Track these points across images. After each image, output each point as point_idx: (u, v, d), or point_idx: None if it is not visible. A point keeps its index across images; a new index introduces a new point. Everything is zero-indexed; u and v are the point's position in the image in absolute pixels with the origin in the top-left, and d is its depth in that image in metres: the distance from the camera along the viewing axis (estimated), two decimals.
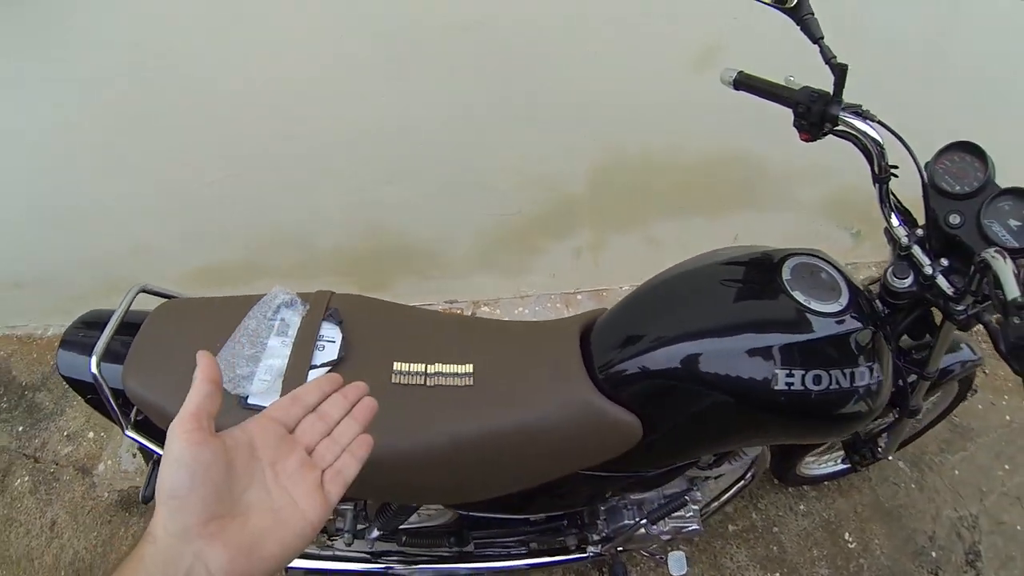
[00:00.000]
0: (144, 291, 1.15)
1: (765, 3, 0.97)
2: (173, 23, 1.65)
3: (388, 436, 0.91)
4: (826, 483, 1.93)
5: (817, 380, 0.89)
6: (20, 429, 2.62)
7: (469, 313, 2.27)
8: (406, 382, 0.97)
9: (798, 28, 0.93)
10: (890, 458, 1.55)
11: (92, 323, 1.14)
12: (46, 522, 2.25)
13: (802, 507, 1.90)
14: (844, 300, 0.94)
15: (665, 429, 0.99)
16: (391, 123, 1.86)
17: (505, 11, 1.64)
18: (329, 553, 1.43)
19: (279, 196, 2.06)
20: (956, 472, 1.96)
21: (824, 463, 1.85)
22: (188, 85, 1.77)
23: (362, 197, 2.06)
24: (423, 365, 0.99)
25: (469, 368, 0.99)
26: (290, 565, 1.40)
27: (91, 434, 2.43)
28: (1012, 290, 0.69)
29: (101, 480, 2.26)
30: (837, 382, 0.89)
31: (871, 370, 0.92)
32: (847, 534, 1.86)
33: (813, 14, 0.92)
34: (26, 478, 2.44)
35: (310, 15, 1.64)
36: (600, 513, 1.31)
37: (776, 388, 0.89)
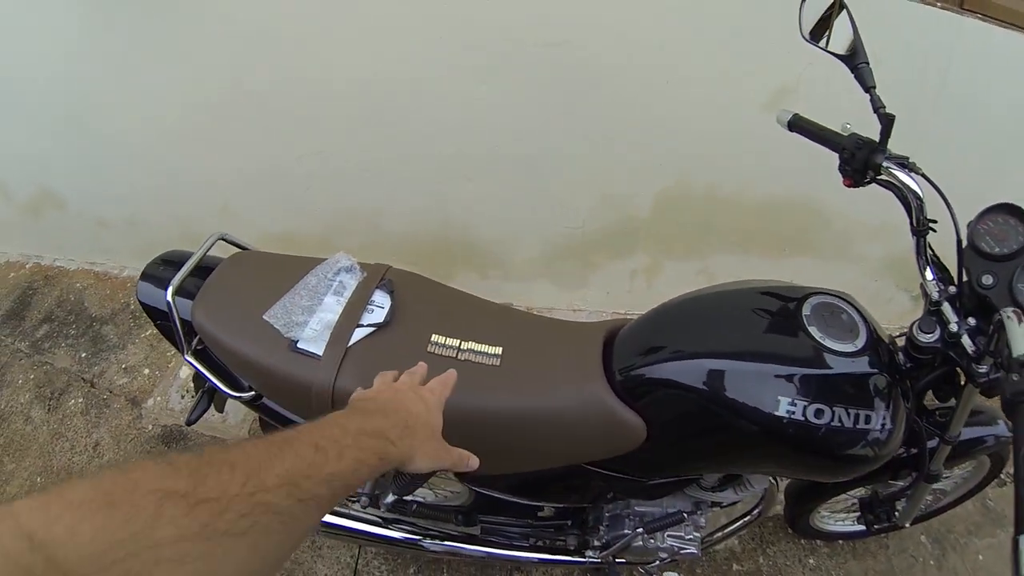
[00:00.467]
0: (223, 239, 1.28)
1: (823, 49, 1.03)
2: (284, 22, 1.82)
3: None
4: (841, 542, 1.90)
5: (819, 414, 0.91)
6: (83, 355, 2.81)
7: None
8: (440, 353, 1.05)
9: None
10: (907, 526, 1.49)
11: (170, 261, 1.27)
12: (91, 442, 2.41)
13: (811, 561, 1.88)
14: (861, 343, 0.96)
15: (667, 437, 1.03)
16: (475, 126, 1.97)
17: (592, 33, 1.73)
18: (345, 511, 1.51)
19: (359, 178, 2.19)
20: (980, 557, 1.90)
21: (839, 520, 1.83)
22: (294, 75, 1.94)
23: (437, 189, 2.16)
24: (458, 341, 1.07)
25: (498, 350, 1.06)
26: None
27: (147, 370, 2.59)
28: (1018, 347, 0.71)
29: (148, 413, 2.41)
30: (840, 420, 0.91)
31: (879, 416, 0.93)
32: None
33: (868, 63, 0.97)
34: (80, 399, 2.61)
35: (412, 20, 1.77)
36: (603, 519, 1.36)
37: (776, 414, 0.91)
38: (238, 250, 1.31)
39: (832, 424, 0.91)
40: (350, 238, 2.39)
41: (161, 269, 1.26)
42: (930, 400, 1.08)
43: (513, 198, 2.14)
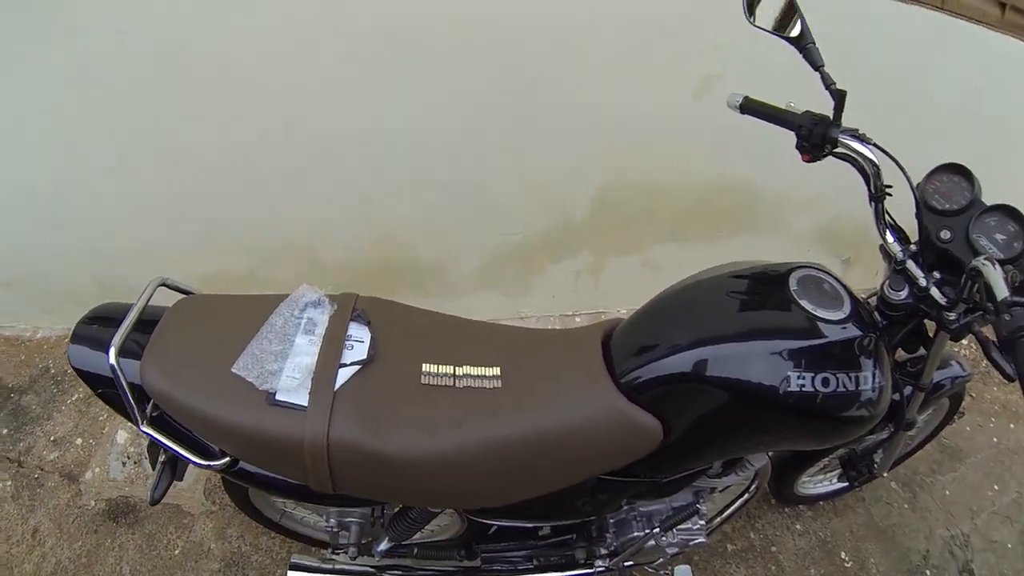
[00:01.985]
0: (164, 285, 1.13)
1: (769, 32, 1.05)
2: (180, 23, 1.66)
3: (419, 437, 0.91)
4: (822, 503, 1.95)
5: (825, 383, 0.92)
6: (4, 432, 2.55)
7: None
8: (435, 383, 0.97)
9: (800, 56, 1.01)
10: (885, 475, 1.57)
11: (104, 317, 1.11)
12: (28, 529, 2.17)
13: (798, 527, 1.92)
14: (847, 309, 0.98)
15: (684, 431, 1.00)
16: (401, 137, 1.88)
17: (513, 25, 1.68)
18: (329, 566, 1.40)
19: (285, 204, 2.06)
20: (947, 492, 1.99)
21: (820, 482, 1.87)
22: (195, 86, 1.77)
23: (368, 209, 2.07)
24: (452, 367, 0.99)
25: (496, 371, 0.99)
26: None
27: (79, 440, 2.37)
28: (1002, 291, 0.75)
29: (88, 488, 2.20)
30: (844, 385, 0.93)
31: (874, 375, 0.96)
32: (843, 553, 1.88)
33: (815, 43, 1.00)
34: (8, 483, 2.37)
35: (326, 21, 1.66)
36: (609, 526, 1.31)
37: (789, 389, 0.92)
38: (182, 295, 1.16)
39: (838, 390, 0.93)
40: (284, 269, 2.25)
41: (95, 328, 1.09)
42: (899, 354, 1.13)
43: (448, 210, 2.08)
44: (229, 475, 1.10)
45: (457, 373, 0.98)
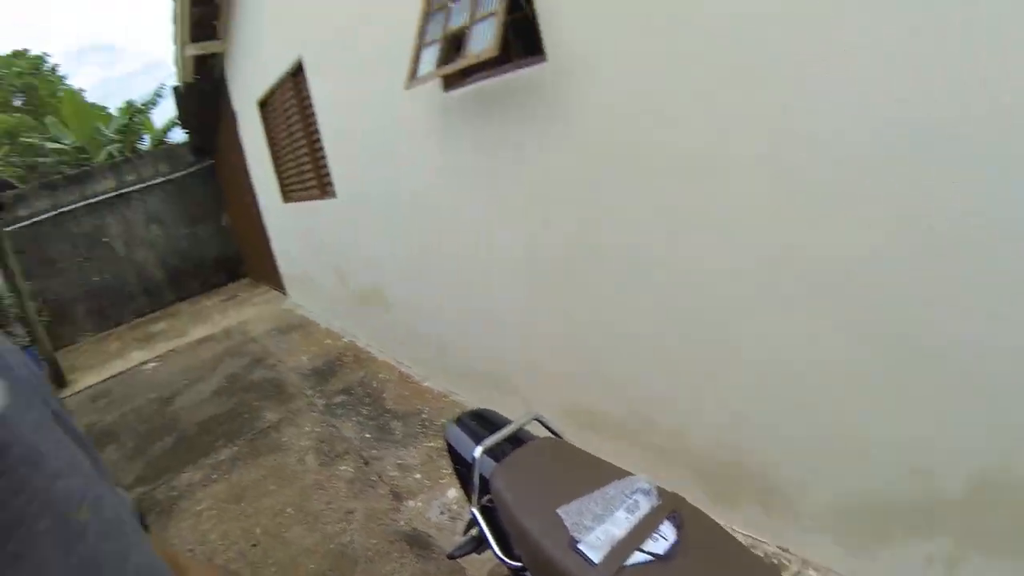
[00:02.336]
0: (537, 419, 1.45)
1: None
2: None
3: None
4: None
5: None
6: (367, 436, 3.22)
7: (795, 571, 2.13)
8: None
9: None
10: None
11: (484, 418, 1.49)
12: (346, 508, 2.71)
13: None
14: None
15: None
16: (785, 356, 1.92)
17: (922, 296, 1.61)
18: None
19: (670, 368, 2.22)
20: None
21: None
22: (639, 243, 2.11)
23: (742, 410, 2.10)
24: None
25: None
26: None
27: (418, 475, 2.86)
28: None
29: (405, 511, 2.64)
30: None
31: None
32: None
33: None
34: (351, 469, 2.99)
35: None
36: None
37: None
38: (549, 434, 1.46)
39: None
40: (648, 433, 2.40)
41: (474, 424, 1.48)
42: None
43: (818, 439, 1.99)
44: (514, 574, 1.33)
45: None
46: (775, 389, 1.99)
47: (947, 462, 1.82)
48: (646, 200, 2.02)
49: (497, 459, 1.34)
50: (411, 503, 2.68)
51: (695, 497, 1.26)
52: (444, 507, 2.60)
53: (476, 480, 1.33)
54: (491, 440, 1.34)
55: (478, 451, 1.33)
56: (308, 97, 4.42)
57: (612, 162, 2.07)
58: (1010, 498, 1.76)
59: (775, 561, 2.15)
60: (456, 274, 3.07)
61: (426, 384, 3.68)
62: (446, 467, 2.82)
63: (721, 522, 1.23)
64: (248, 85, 5.90)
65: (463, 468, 1.41)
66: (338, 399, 3.81)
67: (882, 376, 1.76)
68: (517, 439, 1.39)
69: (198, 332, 7.13)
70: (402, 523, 2.58)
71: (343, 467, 3.04)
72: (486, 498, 1.36)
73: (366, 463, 3.01)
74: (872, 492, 1.97)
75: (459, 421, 1.50)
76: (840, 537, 2.07)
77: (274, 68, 4.90)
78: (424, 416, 3.32)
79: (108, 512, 0.41)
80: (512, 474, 1.30)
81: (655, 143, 1.93)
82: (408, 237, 3.43)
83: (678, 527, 1.16)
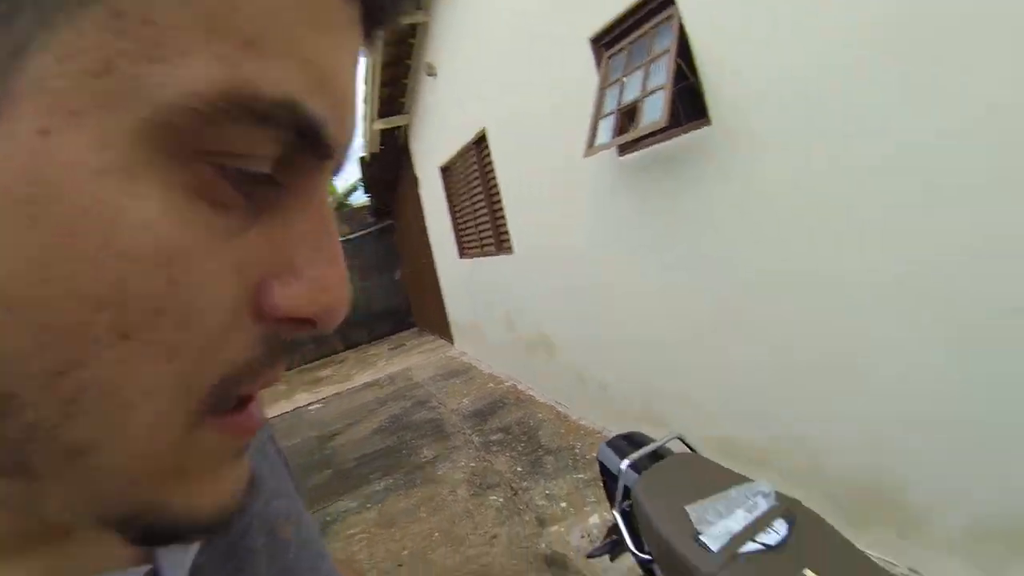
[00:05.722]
0: (679, 438, 1.67)
1: None
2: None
3: None
4: None
5: None
6: (519, 468, 3.44)
7: None
8: None
9: None
10: None
11: (631, 439, 1.72)
12: (491, 533, 2.88)
13: None
14: None
15: None
16: (938, 385, 1.93)
17: None
18: None
19: (795, 408, 2.36)
20: None
21: None
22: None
23: (883, 435, 2.13)
24: None
25: None
26: None
27: (564, 504, 3.02)
28: None
29: (547, 535, 2.79)
30: None
31: None
32: None
33: None
34: (500, 499, 3.17)
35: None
36: None
37: None
38: (687, 451, 1.66)
39: None
40: (783, 458, 2.48)
41: (623, 443, 1.72)
42: None
43: (955, 461, 1.97)
44: (643, 568, 1.53)
45: None
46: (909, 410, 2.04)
47: None
48: (790, 249, 2.22)
49: (639, 471, 1.56)
50: (553, 528, 2.81)
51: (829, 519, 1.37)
52: (585, 531, 2.72)
53: (620, 489, 1.55)
54: (636, 454, 1.57)
55: (624, 464, 1.56)
56: (490, 163, 4.86)
57: (762, 217, 2.30)
58: None
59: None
60: (619, 316, 3.32)
61: (582, 422, 3.82)
62: (592, 496, 2.97)
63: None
64: (431, 152, 6.62)
65: (610, 480, 1.65)
66: (495, 436, 4.06)
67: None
68: (659, 455, 1.60)
69: (363, 377, 7.52)
70: (543, 546, 2.71)
71: (492, 497, 3.19)
72: (626, 503, 1.59)
73: (515, 493, 3.21)
74: (1005, 517, 1.91)
75: (610, 442, 1.75)
76: (974, 561, 2.03)
77: (458, 137, 5.50)
78: (576, 451, 3.45)
79: (304, 530, 0.44)
80: (650, 482, 1.51)
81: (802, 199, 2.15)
82: (578, 289, 3.72)
83: (790, 523, 1.32)
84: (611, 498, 1.60)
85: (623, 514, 1.57)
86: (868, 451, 2.18)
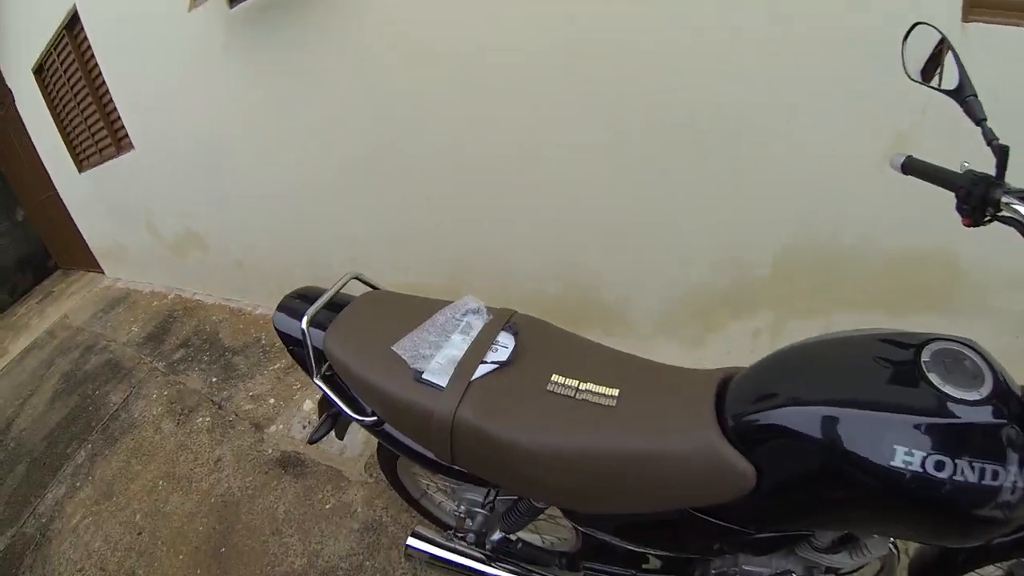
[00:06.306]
0: (356, 278, 1.36)
1: (929, 86, 0.97)
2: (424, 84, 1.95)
3: (530, 430, 0.98)
4: None
5: (939, 466, 0.81)
6: (214, 380, 2.97)
7: None
8: (558, 392, 1.04)
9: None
10: None
11: (305, 296, 1.36)
12: (213, 456, 2.52)
13: None
14: (986, 390, 0.85)
15: (777, 486, 0.95)
16: (595, 180, 1.98)
17: (709, 88, 1.73)
18: (452, 545, 1.50)
19: (484, 236, 2.25)
20: None
21: None
22: (429, 135, 2.06)
23: (560, 248, 2.17)
24: (576, 381, 1.05)
25: (615, 392, 1.03)
26: (411, 543, 1.49)
27: (272, 400, 2.70)
28: None
29: (269, 438, 2.50)
30: (963, 474, 0.80)
31: (1010, 472, 0.81)
32: None
33: (976, 95, 0.90)
34: (207, 418, 2.76)
35: (539, 86, 1.86)
36: (710, 574, 1.28)
37: (893, 465, 0.82)
38: (371, 289, 1.37)
39: (954, 478, 0.81)
40: (476, 288, 2.43)
41: (296, 302, 1.36)
42: None
43: (634, 257, 2.12)
44: (373, 432, 1.25)
45: (580, 387, 1.04)
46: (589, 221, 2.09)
47: (753, 244, 2.00)
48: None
49: (325, 327, 1.25)
50: (272, 428, 2.56)
51: None
52: (304, 420, 2.52)
53: (310, 353, 1.23)
54: (312, 309, 1.23)
55: (304, 323, 1.22)
56: (89, 48, 3.78)
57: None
58: (806, 267, 1.99)
59: None
60: (261, 190, 2.86)
61: (258, 311, 3.50)
62: (296, 382, 2.73)
63: None
64: (17, 55, 5.00)
65: (298, 349, 1.28)
66: (178, 355, 3.48)
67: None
68: (340, 304, 1.30)
69: (19, 345, 6.09)
70: (270, 451, 2.45)
71: (199, 419, 2.80)
72: (324, 367, 1.26)
73: (219, 407, 2.79)
74: (693, 292, 2.15)
75: (281, 306, 1.38)
76: (676, 337, 2.28)
77: (45, 26, 4.15)
78: (262, 342, 3.16)
79: None
80: (341, 333, 1.22)
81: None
82: (213, 171, 3.11)
83: (515, 333, 1.12)
84: (307, 369, 1.28)
85: (327, 380, 1.27)
86: (559, 266, 2.23)
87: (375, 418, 1.21)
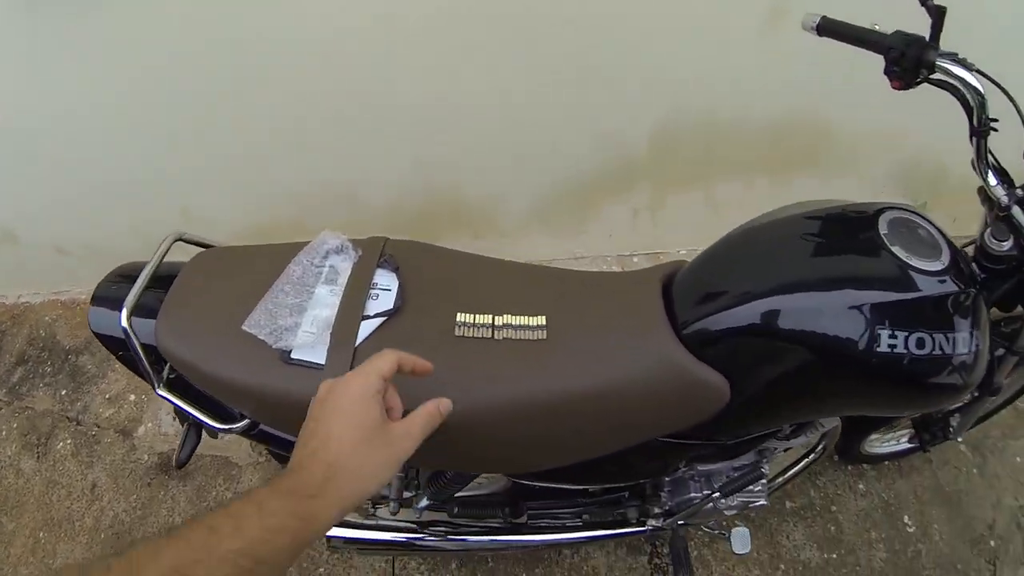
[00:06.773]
0: (180, 240, 1.00)
1: None
2: None
3: (450, 394, 0.75)
4: (886, 463, 1.76)
5: (921, 344, 0.75)
6: (63, 392, 2.55)
7: None
8: (472, 335, 0.82)
9: None
10: (960, 439, 1.39)
11: (127, 276, 0.99)
12: (87, 484, 2.17)
13: (861, 486, 1.74)
14: (945, 259, 0.79)
15: (755, 391, 0.84)
16: (449, 74, 1.72)
17: None
18: (372, 522, 1.30)
19: (329, 153, 1.94)
20: (1018, 459, 1.78)
21: (888, 441, 1.68)
22: (237, 43, 1.67)
23: (417, 150, 1.92)
24: (490, 316, 0.84)
25: (542, 320, 0.83)
26: (330, 534, 1.27)
27: (132, 397, 2.35)
28: None
29: (141, 443, 2.18)
30: (939, 347, 0.75)
31: (972, 337, 0.77)
32: (906, 517, 1.70)
33: None
34: (68, 440, 2.36)
35: None
36: (664, 485, 1.16)
37: (877, 349, 0.75)
38: (201, 250, 1.04)
39: (932, 352, 0.75)
40: (331, 217, 2.12)
41: (115, 288, 0.98)
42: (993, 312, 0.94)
43: (498, 150, 1.92)
44: (250, 437, 0.99)
45: (496, 323, 0.83)
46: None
47: (627, 127, 1.88)
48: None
49: (156, 316, 0.90)
50: (141, 431, 2.22)
51: None
52: (173, 412, 2.15)
53: (140, 355, 0.88)
54: (130, 297, 0.87)
55: (123, 319, 0.86)
56: None
57: None
58: (685, 136, 1.90)
59: None
60: (63, 156, 2.33)
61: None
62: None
63: None
64: None
65: (128, 352, 0.95)
66: (16, 375, 2.92)
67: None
68: (168, 278, 0.94)
69: None
70: (146, 457, 2.13)
71: (60, 444, 2.35)
72: (166, 369, 0.95)
73: (78, 423, 2.38)
74: (565, 179, 2.03)
75: (96, 299, 1.01)
76: (552, 228, 2.20)
77: None
78: None
79: None
80: (175, 321, 0.89)
81: None
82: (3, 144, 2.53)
83: (395, 270, 0.87)
84: (145, 376, 0.93)
85: (172, 386, 0.94)
86: (414, 171, 2.04)
87: (246, 422, 0.93)
